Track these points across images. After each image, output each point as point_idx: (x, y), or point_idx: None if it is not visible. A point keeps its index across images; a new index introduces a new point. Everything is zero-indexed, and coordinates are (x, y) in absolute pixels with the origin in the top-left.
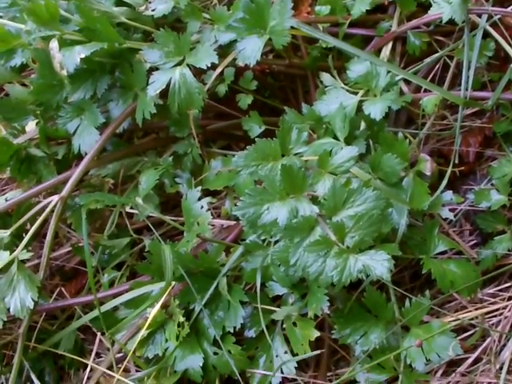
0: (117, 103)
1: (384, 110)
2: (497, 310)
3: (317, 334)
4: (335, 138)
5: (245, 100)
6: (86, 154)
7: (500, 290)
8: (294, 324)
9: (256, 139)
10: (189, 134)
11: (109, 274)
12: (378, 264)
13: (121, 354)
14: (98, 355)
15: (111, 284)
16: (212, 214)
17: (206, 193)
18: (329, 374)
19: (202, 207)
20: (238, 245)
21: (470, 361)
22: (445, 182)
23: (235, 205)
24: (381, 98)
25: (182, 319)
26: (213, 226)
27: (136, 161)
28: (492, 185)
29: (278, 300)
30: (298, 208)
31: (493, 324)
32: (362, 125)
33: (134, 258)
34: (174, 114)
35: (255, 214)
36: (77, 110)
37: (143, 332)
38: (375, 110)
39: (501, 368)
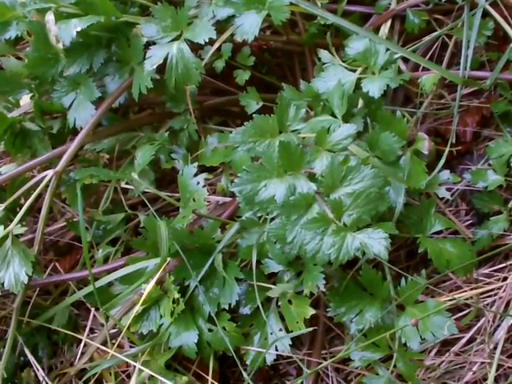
0: (113, 78)
1: (382, 88)
2: (491, 290)
3: (312, 311)
4: (333, 115)
5: (242, 76)
6: (81, 128)
7: (495, 271)
8: (289, 302)
9: (253, 115)
10: (185, 110)
11: (103, 250)
12: (376, 242)
13: (115, 330)
14: (91, 331)
15: (106, 260)
16: (208, 191)
17: (202, 169)
18: (323, 351)
19: (198, 183)
20: (234, 221)
21: (463, 341)
22: (442, 162)
23: (232, 181)
24: (379, 75)
25: (176, 296)
26: (208, 202)
27: (131, 136)
28: (489, 165)
29: (273, 277)
30: (296, 185)
31: (487, 304)
32: (360, 102)
33: (128, 233)
34: (171, 89)
35: (252, 190)
36: (72, 84)
37: (138, 308)
38: (373, 87)
39: (495, 348)
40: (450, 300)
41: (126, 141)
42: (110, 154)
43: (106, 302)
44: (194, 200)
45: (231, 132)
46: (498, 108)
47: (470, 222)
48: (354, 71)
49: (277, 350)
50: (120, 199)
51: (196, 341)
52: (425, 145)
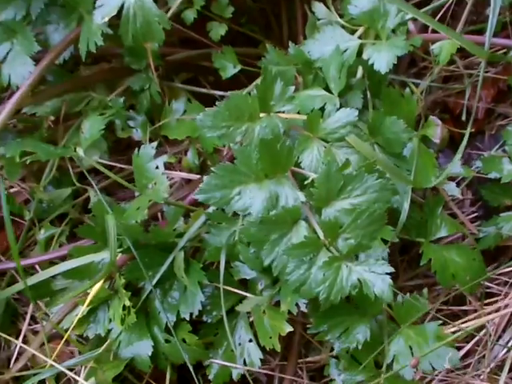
0: (56, 27)
1: (391, 61)
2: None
3: (289, 328)
4: (327, 88)
5: (217, 30)
6: (17, 87)
7: (500, 275)
8: (264, 312)
9: (229, 93)
10: (147, 66)
11: (46, 230)
12: (378, 279)
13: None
14: (34, 319)
15: (49, 242)
16: (171, 165)
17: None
18: (300, 361)
19: (156, 167)
20: (201, 209)
21: (460, 353)
22: (458, 157)
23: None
24: (387, 44)
25: (128, 303)
26: (171, 179)
27: (81, 97)
28: (504, 151)
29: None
30: (279, 194)
31: (489, 312)
32: (359, 71)
33: (77, 210)
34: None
35: (223, 199)
36: (7, 32)
37: (82, 309)
38: (380, 60)
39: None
40: (454, 328)
41: (75, 102)
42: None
43: (46, 296)
44: (152, 187)
45: (202, 94)
46: None
47: (476, 214)
48: (354, 32)
49: (245, 364)
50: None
51: (150, 353)
52: (437, 132)
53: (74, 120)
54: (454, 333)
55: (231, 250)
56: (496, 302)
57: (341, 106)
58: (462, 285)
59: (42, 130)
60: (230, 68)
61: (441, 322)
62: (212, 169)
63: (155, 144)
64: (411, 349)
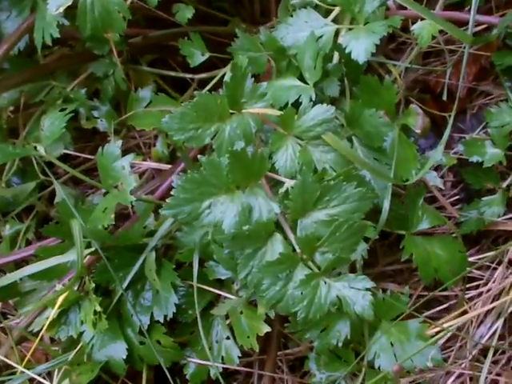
0: (8, 14)
1: (370, 50)
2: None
3: (267, 328)
4: (302, 77)
5: (184, 13)
6: None
7: (482, 258)
8: (241, 312)
9: (195, 93)
10: (110, 51)
11: (12, 226)
12: (359, 296)
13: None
14: (4, 316)
15: (14, 239)
16: (141, 151)
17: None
18: (279, 353)
19: (123, 168)
20: None
21: (442, 341)
22: (441, 149)
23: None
24: (365, 30)
25: (98, 309)
26: (139, 167)
27: (41, 86)
28: (487, 134)
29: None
30: (252, 206)
31: (472, 297)
32: (336, 55)
33: (43, 203)
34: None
35: (192, 213)
36: None
37: (53, 313)
38: (358, 47)
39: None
40: (436, 328)
41: (34, 92)
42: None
43: (14, 297)
44: (117, 188)
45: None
46: (503, 60)
47: (457, 197)
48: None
49: (223, 361)
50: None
51: (124, 356)
52: (418, 122)
53: (35, 108)
54: (437, 333)
55: (205, 249)
56: (478, 286)
57: (317, 97)
58: (445, 279)
59: (1, 122)
60: (197, 55)
61: (422, 320)
62: (179, 182)
63: (120, 143)
64: (393, 345)
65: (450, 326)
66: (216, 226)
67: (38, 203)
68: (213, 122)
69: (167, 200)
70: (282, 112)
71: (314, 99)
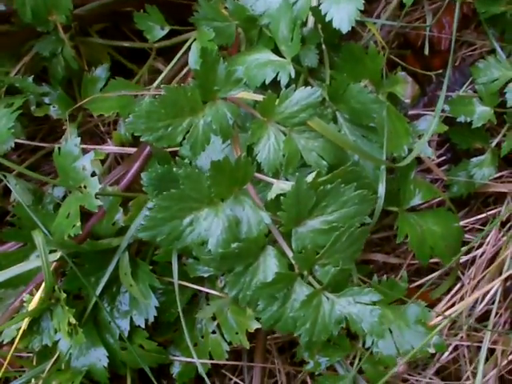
0: None
1: (354, 17)
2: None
3: (256, 325)
4: (277, 51)
5: None
6: None
7: (473, 222)
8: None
9: (162, 87)
10: (56, 27)
11: None
12: (366, 311)
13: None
14: None
15: None
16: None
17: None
18: (268, 337)
19: (84, 169)
20: (141, 193)
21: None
22: (436, 121)
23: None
24: None
25: (73, 321)
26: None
27: None
28: (474, 91)
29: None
30: (239, 219)
31: (464, 264)
32: (310, 19)
33: None
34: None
35: (172, 233)
36: None
37: (24, 324)
38: (340, 15)
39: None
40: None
41: None
42: None
43: None
44: (80, 192)
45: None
46: (487, 8)
47: (444, 158)
48: None
49: (211, 357)
50: None
51: (106, 364)
52: (407, 91)
53: None
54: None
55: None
56: (471, 250)
57: (297, 73)
58: (441, 256)
59: None
60: (156, 30)
61: (424, 304)
62: (153, 201)
63: (78, 140)
64: (391, 332)
65: (452, 314)
66: (201, 244)
67: None
68: (184, 117)
69: (142, 221)
70: (263, 97)
71: (293, 76)
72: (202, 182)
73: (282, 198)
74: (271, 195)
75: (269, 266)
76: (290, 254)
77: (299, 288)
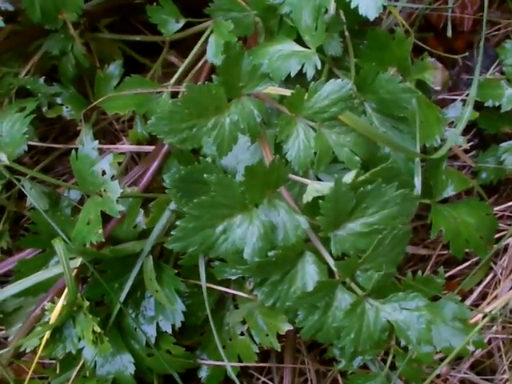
0: None
1: (381, 3)
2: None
3: (288, 327)
4: (300, 41)
5: None
6: None
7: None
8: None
9: (184, 86)
10: (64, 25)
11: None
12: (413, 318)
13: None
14: None
15: None
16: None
17: None
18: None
19: (104, 173)
20: (162, 194)
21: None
22: (469, 110)
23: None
24: None
25: (98, 329)
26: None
27: None
28: (502, 73)
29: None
30: (275, 224)
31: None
32: (332, 4)
33: (13, 203)
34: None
35: (204, 243)
36: None
37: (46, 335)
38: (366, 2)
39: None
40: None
41: None
42: None
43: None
44: (100, 196)
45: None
46: None
47: (471, 143)
48: None
49: (240, 360)
50: None
51: (133, 371)
52: (437, 78)
53: None
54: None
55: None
56: (501, 238)
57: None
58: (477, 249)
59: None
60: (171, 23)
61: (459, 299)
62: (185, 209)
63: (96, 144)
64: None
65: (492, 311)
66: (235, 253)
67: (7, 203)
68: (208, 116)
69: (173, 232)
70: (291, 91)
71: (319, 67)
72: (234, 187)
73: (320, 201)
74: (307, 198)
75: (307, 272)
76: (330, 260)
77: (341, 295)
